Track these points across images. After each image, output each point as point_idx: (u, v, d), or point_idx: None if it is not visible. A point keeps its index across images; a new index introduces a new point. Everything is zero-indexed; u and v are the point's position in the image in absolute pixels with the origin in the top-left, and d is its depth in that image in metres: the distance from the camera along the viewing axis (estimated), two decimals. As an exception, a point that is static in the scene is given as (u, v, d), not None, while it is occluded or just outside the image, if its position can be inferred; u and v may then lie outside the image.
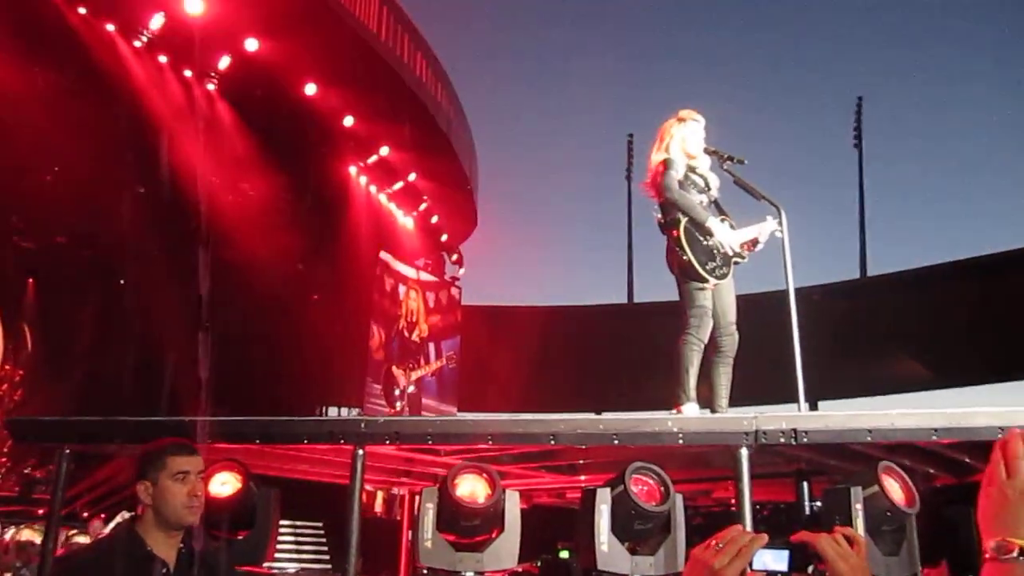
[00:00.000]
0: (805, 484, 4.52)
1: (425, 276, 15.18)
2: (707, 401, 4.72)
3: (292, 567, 10.83)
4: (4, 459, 10.16)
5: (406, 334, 14.38)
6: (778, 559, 1.41)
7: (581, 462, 4.81)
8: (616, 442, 3.67)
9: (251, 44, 11.20)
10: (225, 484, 3.74)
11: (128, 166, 10.41)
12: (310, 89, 12.16)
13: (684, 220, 4.69)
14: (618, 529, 3.52)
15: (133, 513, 2.82)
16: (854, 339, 14.49)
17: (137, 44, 10.83)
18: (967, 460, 4.28)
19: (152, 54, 11.05)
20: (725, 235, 4.77)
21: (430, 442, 3.80)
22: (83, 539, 7.20)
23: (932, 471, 4.45)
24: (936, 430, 3.57)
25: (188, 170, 11.03)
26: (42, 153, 9.65)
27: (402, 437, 3.73)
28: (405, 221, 16.04)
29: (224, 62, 11.54)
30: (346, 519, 3.63)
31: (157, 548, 2.66)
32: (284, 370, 12.03)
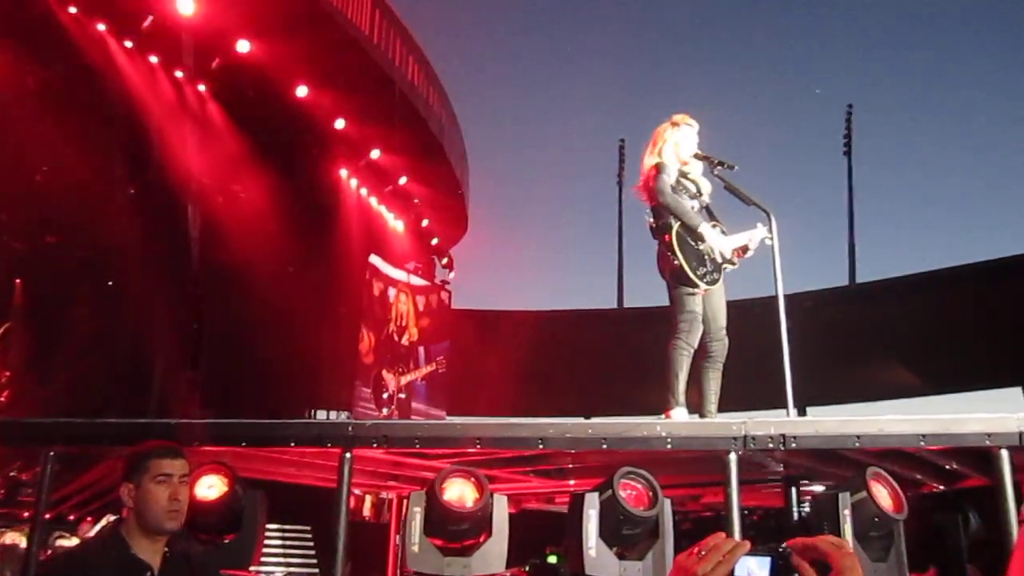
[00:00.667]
0: (794, 490, 4.53)
1: (415, 280, 15.15)
2: (697, 406, 4.72)
3: (279, 571, 10.77)
4: (-10, 461, 10.08)
5: (396, 338, 14.34)
6: (761, 566, 1.40)
7: (570, 466, 4.80)
8: (605, 446, 3.67)
9: (243, 45, 11.17)
10: (211, 487, 3.72)
11: (119, 166, 10.36)
12: (302, 91, 12.13)
13: (676, 225, 4.70)
14: (606, 534, 3.52)
15: (118, 516, 2.79)
16: (843, 345, 14.53)
17: (128, 44, 10.78)
18: (955, 467, 4.30)
19: (143, 54, 11.01)
20: (717, 241, 4.78)
21: (418, 446, 3.79)
22: (69, 542, 7.14)
23: (920, 477, 4.46)
24: (924, 436, 3.58)
25: (179, 171, 10.99)
26: (32, 152, 9.59)
27: (390, 441, 3.72)
28: (396, 225, 16.01)
29: (215, 63, 11.50)
30: (333, 523, 3.61)
31: (141, 552, 2.63)
32: (273, 373, 11.97)
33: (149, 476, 2.66)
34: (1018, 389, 15.05)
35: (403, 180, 15.23)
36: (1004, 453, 3.48)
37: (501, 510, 3.65)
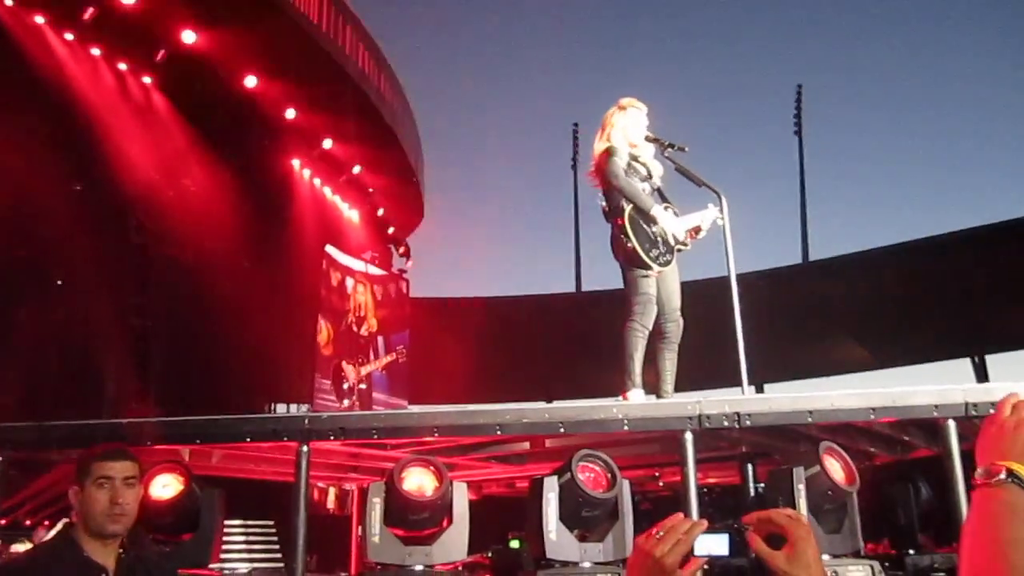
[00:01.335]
0: (750, 466, 4.59)
1: (373, 269, 15.06)
2: (654, 387, 4.76)
3: (243, 567, 10.69)
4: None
5: (355, 329, 14.26)
6: (720, 543, 1.42)
7: (529, 452, 4.81)
8: (562, 430, 3.67)
9: (188, 36, 10.97)
10: (166, 487, 3.66)
11: (63, 162, 10.11)
12: (250, 81, 11.96)
13: (629, 208, 4.70)
14: (566, 517, 3.53)
15: (69, 519, 2.74)
16: (797, 323, 14.76)
17: (69, 36, 10.52)
18: (906, 439, 4.39)
19: (85, 46, 10.75)
20: (669, 222, 4.80)
21: (376, 437, 3.76)
22: (24, 547, 7.01)
23: (872, 450, 4.55)
24: (875, 410, 3.64)
25: (126, 166, 10.77)
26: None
27: (347, 433, 3.69)
28: (351, 214, 15.89)
29: (161, 54, 11.27)
30: (292, 517, 3.57)
31: (95, 554, 2.58)
32: (230, 369, 11.83)
33: (91, 479, 2.61)
34: (967, 360, 15.46)
35: (357, 169, 15.11)
36: (951, 424, 3.55)
37: (461, 498, 3.64)
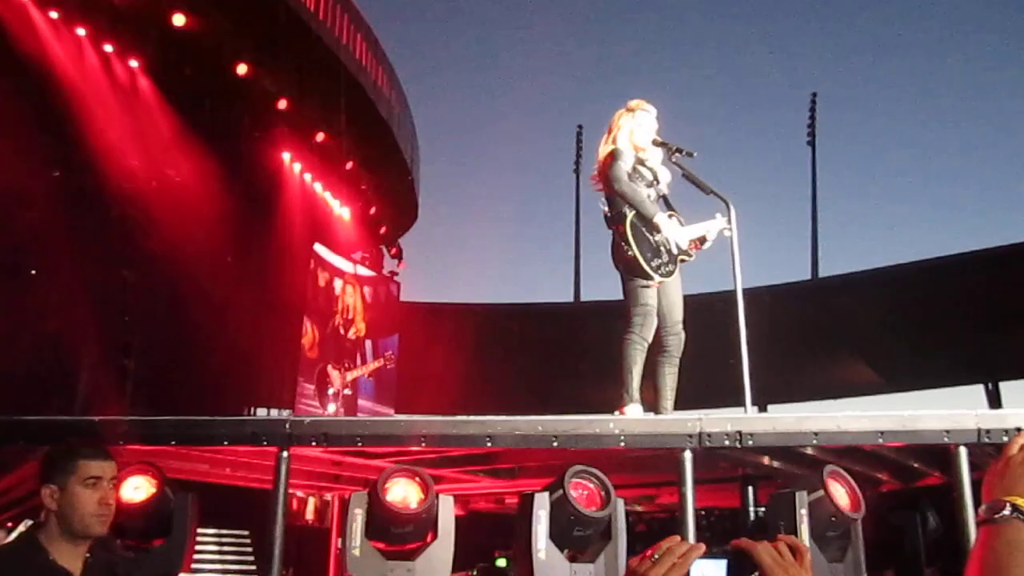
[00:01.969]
0: (751, 489, 4.58)
1: (362, 271, 15.06)
2: (652, 403, 4.76)
3: (215, 578, 10.65)
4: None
5: (341, 331, 14.25)
6: (717, 568, 1.41)
7: (521, 466, 4.80)
8: (556, 444, 3.67)
9: (178, 19, 10.95)
10: (138, 489, 3.65)
11: (41, 147, 10.08)
12: (242, 69, 11.94)
13: (631, 214, 4.71)
14: (556, 535, 3.52)
15: (35, 521, 2.72)
16: (804, 342, 14.77)
17: (54, 15, 10.49)
18: (914, 465, 4.39)
19: (70, 26, 10.73)
20: (673, 231, 4.80)
21: (360, 444, 3.75)
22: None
23: (879, 476, 4.55)
24: (883, 433, 3.64)
25: (108, 153, 10.74)
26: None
27: (330, 439, 3.68)
28: (341, 212, 15.85)
29: (149, 37, 11.26)
30: (268, 526, 3.56)
31: (61, 558, 2.57)
32: (210, 369, 11.79)
33: (77, 478, 2.59)
34: (980, 387, 15.47)
35: (350, 165, 15.08)
36: (962, 451, 3.54)
37: (447, 512, 3.64)
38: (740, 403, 4.42)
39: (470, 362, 15.10)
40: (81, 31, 10.86)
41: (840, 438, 3.67)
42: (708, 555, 1.38)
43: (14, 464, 4.49)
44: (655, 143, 4.93)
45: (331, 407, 13.30)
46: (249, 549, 10.66)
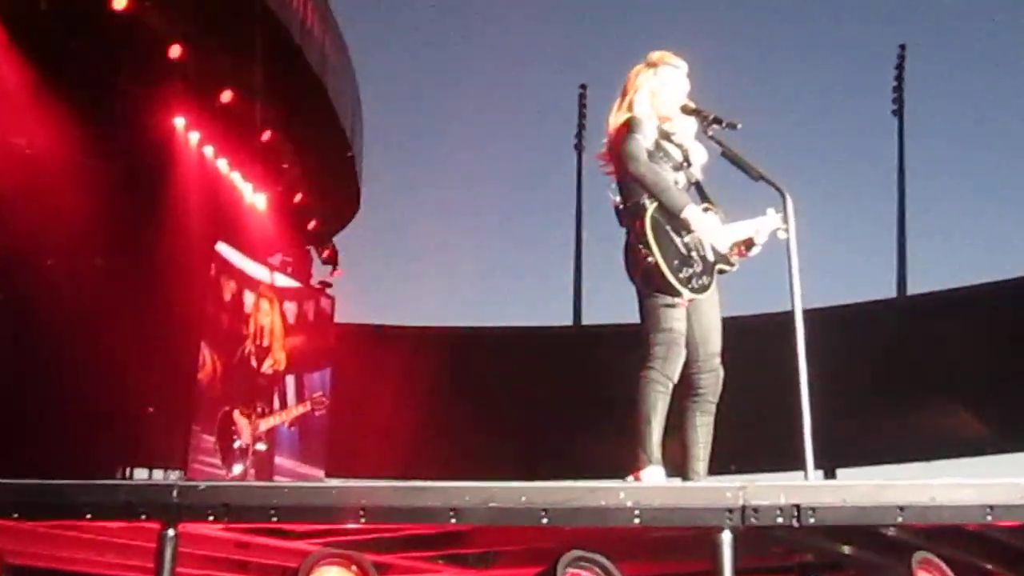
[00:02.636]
0: (812, 584, 4.60)
1: (283, 280, 15.02)
2: (679, 464, 4.76)
3: None
4: None
5: (254, 363, 14.20)
6: None
7: (497, 551, 4.80)
8: (545, 521, 3.67)
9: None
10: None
11: None
12: (119, 2, 11.92)
13: (652, 207, 4.72)
14: (545, 646, 3.52)
15: None
16: (886, 383, 14.84)
17: None
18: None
19: None
20: (709, 230, 4.82)
21: (276, 519, 3.74)
22: None
23: (987, 566, 4.57)
24: (993, 508, 3.65)
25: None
26: None
27: (234, 512, 3.68)
28: (255, 199, 15.80)
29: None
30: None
31: None
32: (72, 413, 11.73)
33: None
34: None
35: (267, 135, 15.06)
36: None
37: (395, 613, 3.64)
38: (799, 466, 4.43)
39: (429, 407, 15.07)
40: None
41: (935, 514, 3.69)
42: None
43: None
44: (685, 110, 4.95)
45: (237, 468, 13.23)
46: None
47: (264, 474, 13.49)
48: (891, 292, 17.01)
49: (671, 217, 4.73)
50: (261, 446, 13.74)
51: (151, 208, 13.37)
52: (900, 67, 18.19)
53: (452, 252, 22.78)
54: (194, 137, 14.30)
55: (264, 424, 13.87)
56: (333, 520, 3.87)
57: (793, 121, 25.03)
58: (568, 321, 18.96)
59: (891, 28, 22.48)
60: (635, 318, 4.83)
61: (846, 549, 4.37)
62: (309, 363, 15.07)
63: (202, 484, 3.84)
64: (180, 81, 13.42)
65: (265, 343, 14.31)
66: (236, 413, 13.53)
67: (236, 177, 15.29)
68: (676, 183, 4.84)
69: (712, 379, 4.82)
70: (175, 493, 3.73)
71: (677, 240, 4.74)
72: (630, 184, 4.81)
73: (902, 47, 18.26)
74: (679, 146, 4.97)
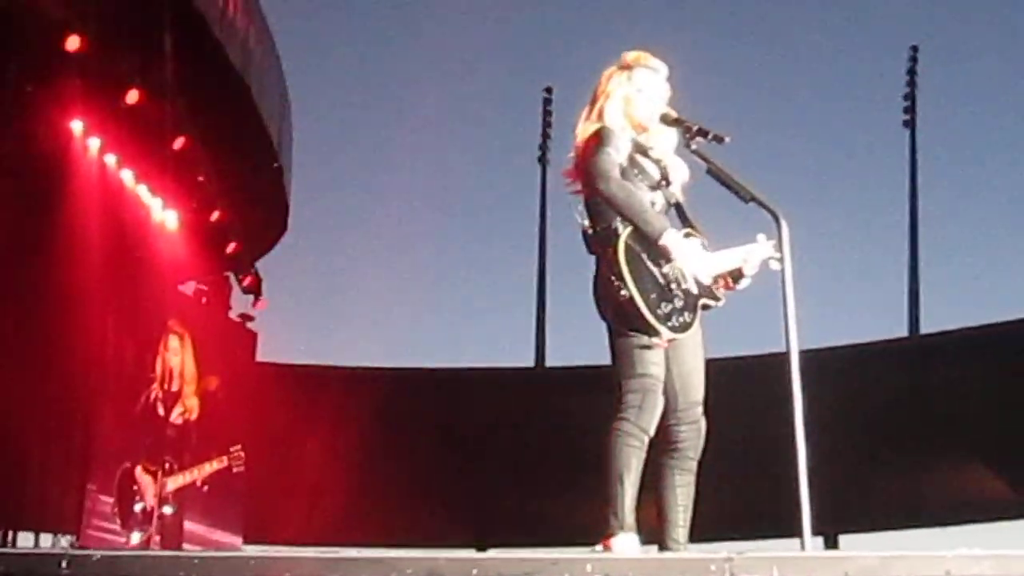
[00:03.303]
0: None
1: (196, 312, 14.95)
2: (655, 530, 4.76)
3: None
4: None
5: (161, 411, 14.06)
6: None
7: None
8: (500, 598, 3.66)
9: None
10: None
11: None
12: (7, -14, 11.92)
13: (626, 232, 4.73)
14: None
15: None
16: (895, 434, 14.94)
17: None
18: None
19: None
20: (691, 260, 4.83)
21: (184, 596, 3.71)
22: None
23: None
24: (1016, 583, 3.68)
25: None
26: None
27: (134, 586, 3.65)
28: (165, 216, 15.77)
29: None
30: None
31: None
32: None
33: None
34: None
35: (180, 142, 15.04)
36: None
37: None
38: (793, 532, 4.44)
39: (364, 461, 15.03)
40: None
41: (950, 591, 3.71)
42: None
43: None
44: (665, 120, 4.98)
45: (138, 534, 13.10)
46: None
47: (171, 542, 13.36)
48: (902, 330, 17.13)
49: (647, 244, 4.73)
50: (168, 509, 13.58)
51: (40, 225, 13.30)
52: (912, 71, 18.37)
53: (394, 281, 22.68)
54: (94, 144, 14.25)
55: (172, 483, 13.71)
56: (252, 596, 3.86)
57: (788, 134, 25.17)
58: (529, 362, 18.96)
59: (901, 26, 22.71)
60: (606, 359, 4.84)
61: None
62: (226, 411, 14.98)
63: (97, 553, 3.79)
64: (78, 78, 13.37)
65: (174, 387, 14.16)
66: (139, 470, 13.39)
67: (143, 191, 15.23)
68: (653, 204, 4.85)
69: (693, 432, 4.83)
70: (64, 564, 3.70)
71: (655, 271, 4.74)
72: (600, 205, 4.81)
73: (914, 48, 18.45)
74: (657, 162, 4.99)
